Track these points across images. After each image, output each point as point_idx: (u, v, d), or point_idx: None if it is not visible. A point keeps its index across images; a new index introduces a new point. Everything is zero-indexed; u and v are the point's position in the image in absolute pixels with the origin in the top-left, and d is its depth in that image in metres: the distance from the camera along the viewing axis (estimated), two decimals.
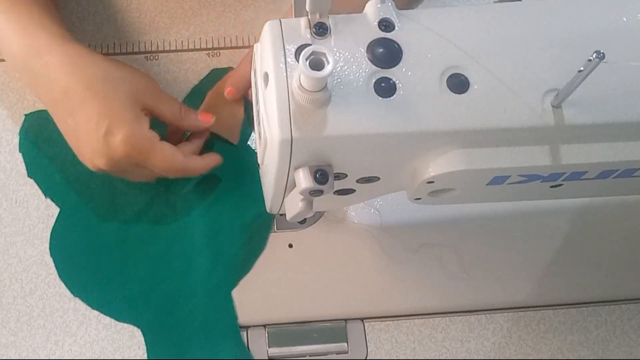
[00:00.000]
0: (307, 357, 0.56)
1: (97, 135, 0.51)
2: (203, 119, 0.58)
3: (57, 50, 0.54)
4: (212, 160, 0.57)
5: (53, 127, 0.55)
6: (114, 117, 0.51)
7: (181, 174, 0.55)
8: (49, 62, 0.53)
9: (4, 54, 0.56)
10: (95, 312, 0.57)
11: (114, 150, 0.51)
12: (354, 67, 0.39)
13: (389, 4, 0.41)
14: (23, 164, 0.61)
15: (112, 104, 0.52)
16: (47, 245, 0.59)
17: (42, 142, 0.61)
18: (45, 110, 0.56)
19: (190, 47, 0.67)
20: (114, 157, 0.52)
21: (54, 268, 0.58)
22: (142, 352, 0.56)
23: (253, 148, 0.62)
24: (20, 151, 0.61)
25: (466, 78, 0.40)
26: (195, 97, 0.64)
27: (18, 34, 0.54)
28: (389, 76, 0.39)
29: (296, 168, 0.42)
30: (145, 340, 0.56)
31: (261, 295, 0.58)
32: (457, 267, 0.59)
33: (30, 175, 0.61)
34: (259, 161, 0.48)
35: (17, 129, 0.62)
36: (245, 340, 0.56)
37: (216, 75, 0.65)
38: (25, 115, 0.62)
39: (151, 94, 0.55)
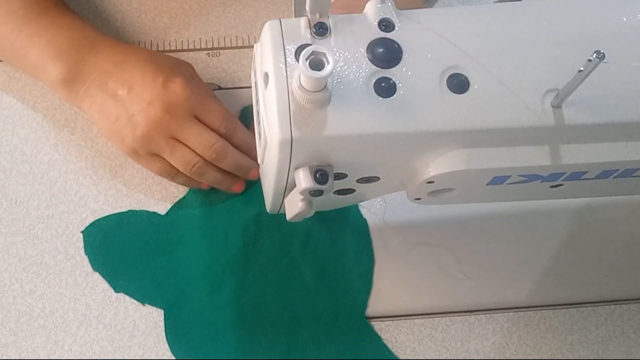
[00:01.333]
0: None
1: (154, 85, 0.54)
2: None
3: (104, 40, 0.58)
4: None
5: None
6: (169, 71, 0.55)
7: (233, 129, 0.56)
8: (99, 48, 0.57)
9: (32, 57, 0.58)
10: (95, 312, 0.57)
11: (174, 93, 0.54)
12: (354, 67, 0.39)
13: (389, 4, 0.41)
14: (23, 164, 0.61)
15: (164, 66, 0.56)
16: (47, 245, 0.59)
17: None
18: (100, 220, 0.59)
19: (190, 47, 0.67)
20: (174, 101, 0.54)
21: (54, 268, 0.58)
22: (142, 352, 0.56)
23: None
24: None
25: (466, 78, 0.40)
26: None
27: (67, 27, 0.58)
28: (389, 76, 0.39)
29: (296, 168, 0.42)
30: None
31: None
32: (457, 267, 0.59)
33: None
34: (259, 161, 0.48)
35: (17, 129, 0.62)
36: None
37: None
38: (82, 232, 0.60)
39: (194, 73, 0.60)
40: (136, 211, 0.60)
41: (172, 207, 0.60)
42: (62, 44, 0.57)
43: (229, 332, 0.56)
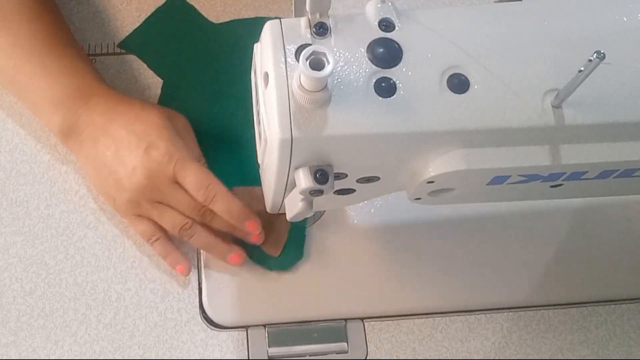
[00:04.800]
0: (307, 357, 0.56)
1: (137, 151, 0.53)
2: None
3: (100, 92, 0.57)
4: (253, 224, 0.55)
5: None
6: (155, 135, 0.54)
7: (212, 197, 0.54)
8: (94, 102, 0.56)
9: (31, 98, 0.58)
10: (95, 312, 0.57)
11: (155, 161, 0.53)
12: (354, 67, 0.39)
13: (389, 3, 0.41)
14: (23, 164, 0.61)
15: (151, 127, 0.55)
16: (47, 245, 0.59)
17: None
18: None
19: None
20: (155, 169, 0.53)
21: (54, 268, 0.58)
22: (142, 352, 0.56)
23: None
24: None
25: (466, 78, 0.40)
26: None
27: (63, 74, 0.56)
28: (389, 76, 0.39)
29: (296, 168, 0.42)
30: None
31: (261, 295, 0.58)
32: (457, 267, 0.59)
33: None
34: (259, 161, 0.48)
35: (17, 129, 0.62)
36: (245, 340, 0.56)
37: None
38: None
39: (185, 129, 0.58)
40: None
41: None
42: (60, 92, 0.56)
43: None
